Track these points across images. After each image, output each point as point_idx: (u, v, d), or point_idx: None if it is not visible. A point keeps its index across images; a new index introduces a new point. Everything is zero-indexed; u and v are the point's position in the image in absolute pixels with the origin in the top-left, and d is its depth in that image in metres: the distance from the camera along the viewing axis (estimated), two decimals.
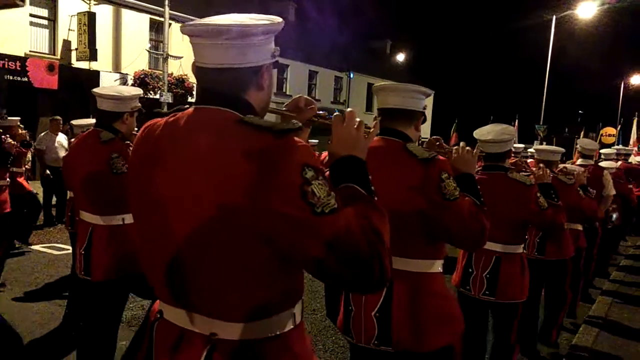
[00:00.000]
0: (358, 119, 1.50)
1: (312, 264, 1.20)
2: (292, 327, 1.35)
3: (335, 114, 1.50)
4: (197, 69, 1.36)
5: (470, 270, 3.33)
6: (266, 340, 1.29)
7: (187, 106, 1.41)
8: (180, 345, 1.32)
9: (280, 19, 1.35)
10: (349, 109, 1.52)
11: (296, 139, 1.24)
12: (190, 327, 1.31)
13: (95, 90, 3.25)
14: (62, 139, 9.07)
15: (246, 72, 1.32)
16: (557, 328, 4.74)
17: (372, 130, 1.56)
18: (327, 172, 1.39)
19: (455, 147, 2.44)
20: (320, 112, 1.65)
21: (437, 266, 2.23)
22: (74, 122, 6.25)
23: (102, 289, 3.11)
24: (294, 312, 1.36)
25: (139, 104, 3.34)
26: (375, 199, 1.36)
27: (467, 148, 2.41)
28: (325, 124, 1.64)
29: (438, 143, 2.66)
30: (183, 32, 1.34)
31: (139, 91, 3.40)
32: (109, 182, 3.04)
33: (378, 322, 2.19)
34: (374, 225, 1.25)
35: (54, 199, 9.10)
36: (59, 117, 9.28)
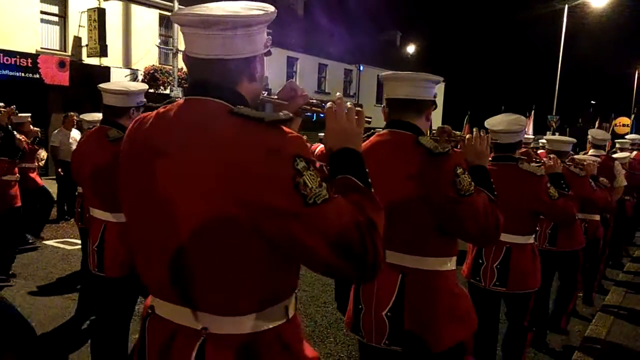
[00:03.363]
0: (352, 106, 1.45)
1: (305, 254, 1.19)
2: (284, 320, 1.34)
3: (328, 104, 1.46)
4: (188, 59, 1.33)
5: (480, 261, 3.31)
6: (259, 334, 1.29)
7: (179, 98, 1.38)
8: (173, 341, 1.31)
9: (273, 9, 1.32)
10: (337, 94, 1.47)
11: (287, 129, 1.23)
12: (183, 322, 1.30)
13: (101, 85, 3.26)
14: (75, 134, 9.13)
15: (238, 63, 1.30)
16: (566, 315, 4.72)
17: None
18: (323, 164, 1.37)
19: (468, 136, 2.32)
20: (313, 100, 1.57)
21: (450, 264, 2.16)
22: (84, 116, 6.30)
23: (115, 284, 3.13)
24: (287, 305, 1.35)
25: (145, 99, 3.34)
26: (372, 190, 1.34)
27: (481, 135, 2.29)
28: (318, 112, 1.60)
29: (447, 132, 2.56)
30: (174, 20, 1.31)
31: (144, 86, 3.41)
32: (118, 180, 3.04)
33: (390, 322, 2.12)
34: (367, 215, 1.24)
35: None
36: (73, 113, 9.32)
